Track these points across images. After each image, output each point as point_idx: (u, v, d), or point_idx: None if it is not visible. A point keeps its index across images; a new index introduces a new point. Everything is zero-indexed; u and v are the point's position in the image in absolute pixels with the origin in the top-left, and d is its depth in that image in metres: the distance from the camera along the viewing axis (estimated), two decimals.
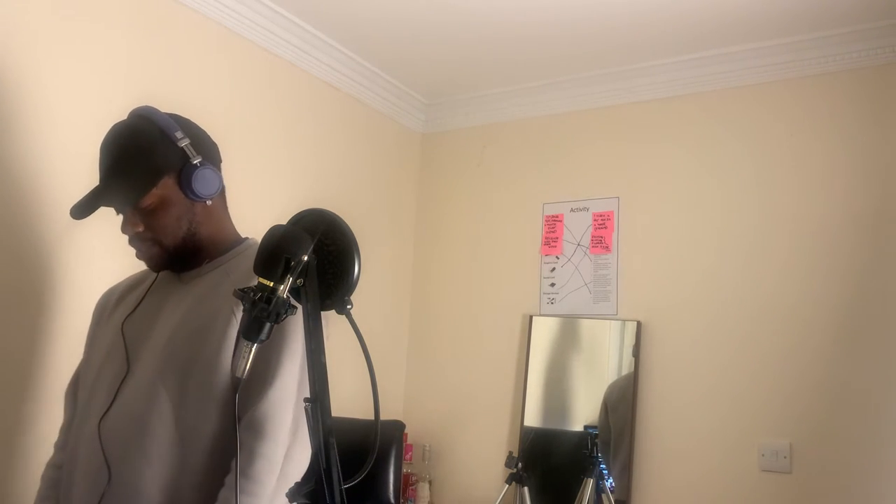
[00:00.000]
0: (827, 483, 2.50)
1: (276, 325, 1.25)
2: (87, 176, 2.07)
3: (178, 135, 1.39)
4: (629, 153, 3.07)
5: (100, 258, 2.11)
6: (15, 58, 1.94)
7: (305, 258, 1.02)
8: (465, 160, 3.47)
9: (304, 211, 1.14)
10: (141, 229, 1.39)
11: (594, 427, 2.78)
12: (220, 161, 1.49)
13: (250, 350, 1.01)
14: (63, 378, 2.00)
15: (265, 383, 1.29)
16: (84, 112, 2.10)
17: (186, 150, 1.39)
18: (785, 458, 2.57)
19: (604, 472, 2.45)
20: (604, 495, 2.44)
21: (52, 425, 1.96)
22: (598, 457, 2.46)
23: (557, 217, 3.18)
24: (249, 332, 1.00)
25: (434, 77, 3.27)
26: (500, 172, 3.37)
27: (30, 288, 1.97)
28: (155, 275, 1.50)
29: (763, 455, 2.60)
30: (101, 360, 1.46)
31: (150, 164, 1.37)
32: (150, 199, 1.37)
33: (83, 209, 1.37)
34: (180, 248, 1.42)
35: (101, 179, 1.40)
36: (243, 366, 1.00)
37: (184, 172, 1.38)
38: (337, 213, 1.15)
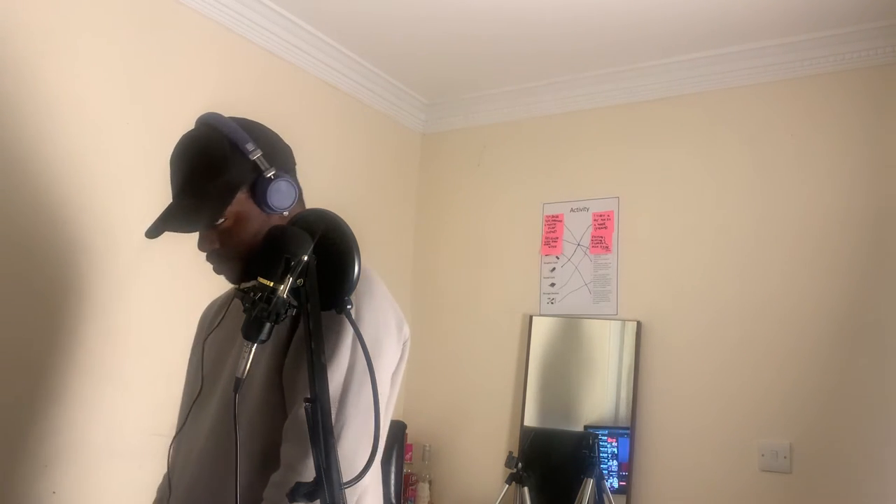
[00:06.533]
0: (827, 483, 2.49)
1: (330, 334, 1.20)
2: (87, 175, 2.08)
3: (250, 146, 1.28)
4: (629, 153, 3.07)
5: (106, 261, 2.11)
6: (15, 59, 1.94)
7: (305, 258, 1.02)
8: (465, 160, 3.47)
9: (305, 211, 1.14)
10: (217, 246, 1.30)
11: (602, 428, 2.78)
12: (294, 164, 1.40)
13: (250, 350, 1.00)
14: (66, 379, 2.00)
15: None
16: (85, 112, 2.10)
17: (259, 162, 1.29)
18: (785, 458, 2.57)
19: (612, 473, 2.44)
20: (604, 495, 2.44)
21: (52, 425, 1.96)
22: (597, 457, 2.46)
23: (557, 217, 3.18)
24: (249, 332, 1.00)
25: (434, 77, 3.26)
26: (500, 172, 3.37)
27: (39, 288, 1.97)
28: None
29: (763, 455, 2.60)
30: (190, 378, 1.47)
31: (223, 182, 1.27)
32: (224, 218, 1.28)
33: (154, 231, 1.28)
34: None
35: (174, 198, 1.30)
36: (243, 366, 1.00)
37: (258, 186, 1.29)
38: (337, 213, 1.15)
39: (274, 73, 2.76)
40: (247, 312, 1.00)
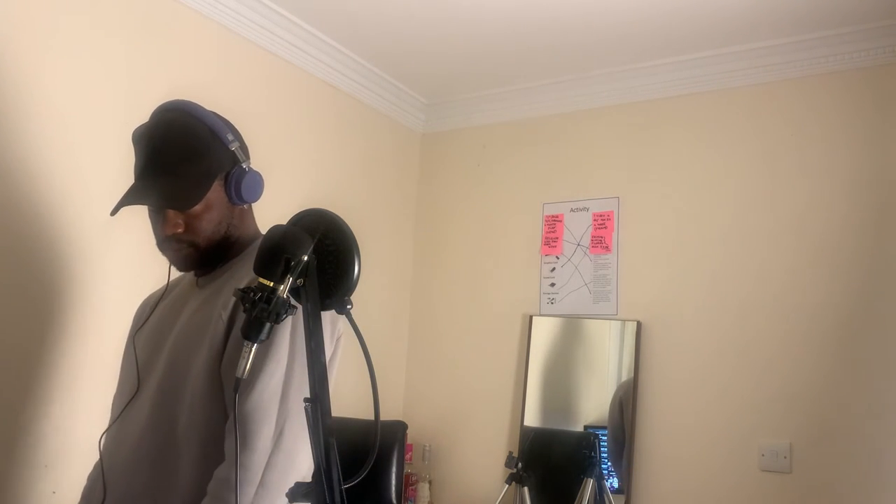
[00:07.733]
0: (827, 483, 2.49)
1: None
2: (87, 176, 2.08)
3: (229, 137, 1.35)
4: (629, 153, 3.07)
5: (104, 260, 2.11)
6: (16, 59, 1.94)
7: (305, 258, 1.01)
8: (465, 160, 3.47)
9: (304, 211, 1.14)
10: (181, 231, 1.34)
11: (602, 427, 2.78)
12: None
13: (250, 350, 1.00)
14: (65, 378, 2.00)
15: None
16: (85, 112, 2.10)
17: (237, 153, 1.35)
18: (785, 458, 2.57)
19: (604, 471, 2.45)
20: (605, 495, 2.44)
21: (52, 425, 1.96)
22: (597, 457, 2.46)
23: (557, 217, 3.18)
24: (249, 332, 1.00)
25: (434, 77, 3.26)
26: (500, 172, 3.37)
27: (37, 288, 1.97)
28: (178, 284, 1.47)
29: (763, 455, 2.60)
30: (124, 373, 1.47)
31: (206, 168, 1.32)
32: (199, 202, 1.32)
33: (122, 204, 1.31)
34: (213, 250, 1.38)
35: (147, 176, 1.32)
36: (243, 366, 1.00)
37: (234, 176, 1.35)
38: (337, 212, 1.15)
39: (274, 73, 2.76)
40: (247, 312, 1.00)
